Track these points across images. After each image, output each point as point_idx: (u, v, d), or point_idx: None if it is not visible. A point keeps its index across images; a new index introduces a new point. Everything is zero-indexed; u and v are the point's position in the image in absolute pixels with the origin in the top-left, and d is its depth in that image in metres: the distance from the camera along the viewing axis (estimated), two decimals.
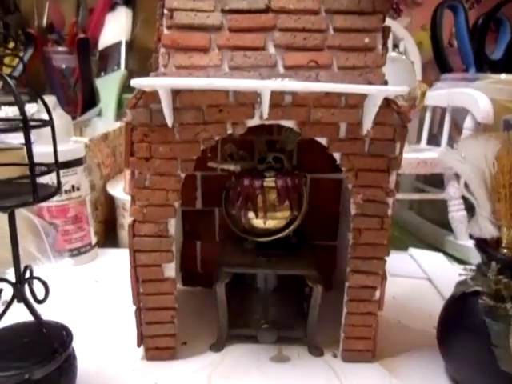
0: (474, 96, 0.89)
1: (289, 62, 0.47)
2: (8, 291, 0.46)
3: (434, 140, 1.09)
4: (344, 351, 0.56)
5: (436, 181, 1.08)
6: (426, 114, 1.08)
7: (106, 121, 1.12)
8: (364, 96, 0.47)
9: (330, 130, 0.49)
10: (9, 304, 0.46)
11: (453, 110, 0.99)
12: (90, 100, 1.18)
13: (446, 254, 0.95)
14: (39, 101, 0.50)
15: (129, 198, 0.91)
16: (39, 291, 0.47)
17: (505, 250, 0.48)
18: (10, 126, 0.44)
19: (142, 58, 1.33)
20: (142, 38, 1.34)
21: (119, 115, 1.19)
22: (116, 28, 1.22)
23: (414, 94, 0.88)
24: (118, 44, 1.20)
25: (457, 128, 1.03)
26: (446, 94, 0.99)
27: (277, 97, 0.46)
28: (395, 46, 1.10)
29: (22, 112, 0.40)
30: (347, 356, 0.56)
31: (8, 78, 0.41)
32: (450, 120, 0.99)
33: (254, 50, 0.47)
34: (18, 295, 0.46)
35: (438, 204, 1.02)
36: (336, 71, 0.48)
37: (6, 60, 1.06)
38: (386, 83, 0.48)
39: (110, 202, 0.98)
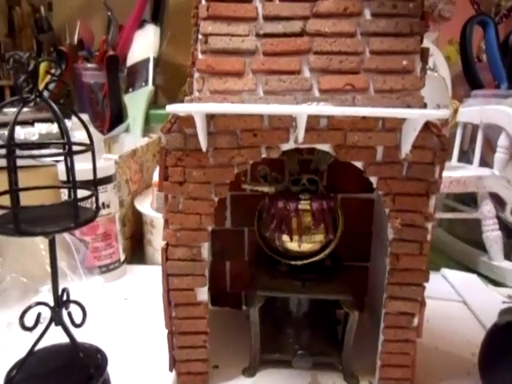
0: (508, 113, 0.87)
1: (324, 86, 0.47)
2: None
3: (464, 157, 1.06)
4: (381, 380, 0.54)
5: (466, 198, 1.05)
6: (457, 131, 1.05)
7: (133, 136, 1.14)
8: (402, 119, 0.46)
9: (366, 153, 0.48)
10: (46, 328, 0.46)
11: (485, 127, 0.96)
12: (118, 116, 1.20)
13: (479, 274, 0.92)
14: (72, 118, 0.50)
15: (156, 214, 0.93)
16: (75, 312, 0.48)
17: None
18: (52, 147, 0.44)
19: (168, 74, 1.35)
20: (169, 54, 1.37)
21: (146, 131, 1.20)
22: (144, 45, 1.24)
23: None
24: (146, 60, 1.22)
25: (489, 145, 1.00)
26: (478, 110, 0.97)
27: (312, 121, 0.45)
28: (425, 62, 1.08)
29: (68, 138, 0.41)
30: None
31: (53, 104, 0.41)
32: (482, 137, 0.97)
33: (289, 74, 0.47)
34: (57, 319, 0.46)
35: (470, 222, 0.99)
36: (373, 94, 0.47)
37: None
38: (425, 106, 0.47)
39: (137, 218, 0.99)
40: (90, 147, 0.45)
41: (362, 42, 0.47)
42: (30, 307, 0.46)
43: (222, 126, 0.47)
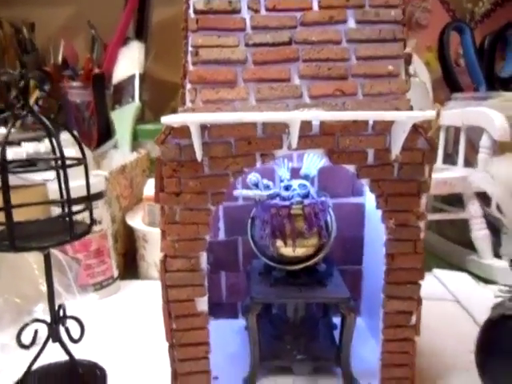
0: (488, 114, 0.89)
1: (315, 92, 0.48)
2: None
3: (449, 159, 1.09)
4: (383, 380, 0.54)
5: (453, 200, 1.07)
6: (440, 134, 1.08)
7: (121, 152, 1.14)
8: (391, 122, 0.47)
9: (358, 156, 0.49)
10: (44, 345, 0.45)
11: (467, 129, 0.99)
12: (106, 132, 1.20)
13: (469, 273, 0.93)
14: (61, 135, 0.50)
15: (148, 228, 0.92)
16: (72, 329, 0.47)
17: None
18: (45, 165, 0.44)
19: (154, 90, 1.36)
20: (154, 70, 1.38)
21: (134, 146, 1.20)
22: (129, 62, 1.25)
23: None
24: (132, 77, 1.23)
25: (472, 146, 1.03)
26: (459, 113, 1.00)
27: (305, 126, 0.46)
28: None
29: (61, 151, 0.41)
30: None
31: (44, 118, 0.42)
32: (465, 139, 0.99)
33: (280, 82, 0.48)
34: (54, 335, 0.45)
35: (457, 223, 1.01)
36: (362, 99, 0.48)
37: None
38: (411, 108, 0.48)
39: (129, 234, 0.98)
40: (83, 160, 0.45)
41: (349, 48, 0.49)
42: (26, 324, 0.45)
43: (217, 135, 0.47)
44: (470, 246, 0.98)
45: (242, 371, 0.58)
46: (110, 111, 1.23)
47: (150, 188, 0.94)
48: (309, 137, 0.48)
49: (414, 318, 0.52)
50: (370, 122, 0.47)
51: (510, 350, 0.48)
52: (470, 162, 1.01)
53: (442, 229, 1.14)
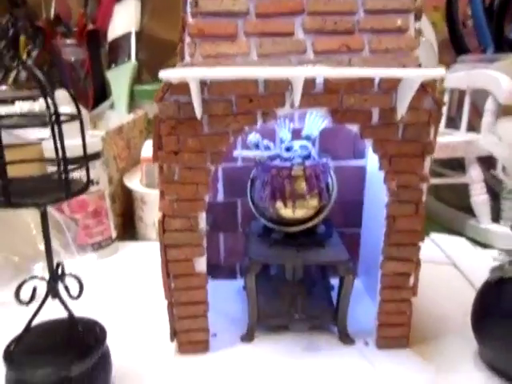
0: (495, 77, 0.87)
1: (319, 47, 0.46)
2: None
3: (452, 123, 1.07)
4: (379, 338, 0.55)
5: (454, 164, 1.06)
6: (445, 97, 1.06)
7: (118, 113, 1.11)
8: (398, 80, 0.45)
9: (362, 116, 0.48)
10: (43, 301, 0.45)
11: (472, 92, 0.97)
12: (102, 93, 1.17)
13: (467, 238, 0.94)
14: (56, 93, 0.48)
15: (146, 190, 0.92)
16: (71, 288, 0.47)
17: None
18: (39, 121, 0.43)
19: (151, 49, 1.31)
20: (151, 28, 1.33)
21: (131, 107, 1.18)
22: (125, 19, 1.20)
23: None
24: (128, 35, 1.18)
25: (476, 110, 1.01)
26: (464, 75, 0.97)
27: (308, 84, 0.45)
28: None
29: (55, 107, 0.39)
30: (382, 343, 0.56)
31: (39, 73, 0.40)
32: (469, 102, 0.97)
33: (283, 36, 0.46)
34: (53, 292, 0.45)
35: (456, 188, 1.00)
36: (368, 55, 0.46)
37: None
38: (419, 66, 0.46)
39: (127, 195, 0.98)
40: (78, 116, 0.44)
41: (357, 1, 0.46)
42: (25, 281, 0.45)
43: (217, 93, 0.46)
44: (468, 211, 0.98)
45: (240, 329, 0.59)
46: (106, 70, 1.19)
47: (147, 149, 0.93)
48: (312, 95, 0.46)
49: (411, 280, 0.53)
50: (377, 80, 0.46)
51: (507, 311, 0.49)
52: (473, 127, 0.99)
53: (440, 193, 1.13)
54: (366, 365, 0.53)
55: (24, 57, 0.37)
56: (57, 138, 0.41)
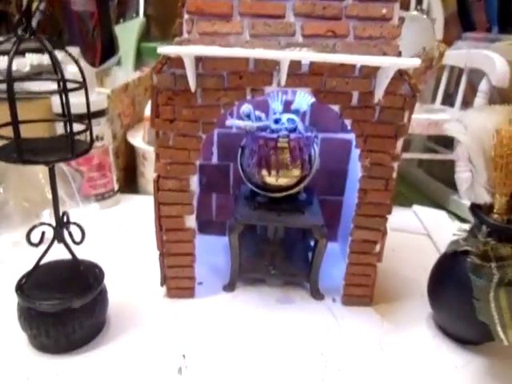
0: (491, 57, 0.89)
1: (307, 31, 0.50)
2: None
3: (448, 100, 1.09)
4: (345, 296, 0.62)
5: (447, 141, 1.10)
6: (444, 74, 1.08)
7: (125, 70, 1.14)
8: (377, 67, 0.49)
9: (343, 98, 0.52)
10: (50, 244, 0.52)
11: (470, 72, 0.99)
12: (110, 47, 1.19)
13: (449, 212, 1.00)
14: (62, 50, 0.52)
15: (148, 147, 0.97)
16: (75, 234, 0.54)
17: (495, 216, 0.52)
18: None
19: (160, 5, 1.32)
20: None
21: (138, 64, 1.20)
22: None
23: (432, 54, 0.88)
24: None
25: (472, 89, 1.03)
26: (464, 54, 0.99)
27: (294, 65, 0.49)
28: (419, 2, 1.08)
29: (62, 75, 0.44)
30: (347, 300, 0.63)
31: (47, 42, 0.44)
32: (465, 81, 0.99)
33: (275, 19, 0.50)
34: (59, 237, 0.52)
35: (448, 164, 1.05)
36: (352, 41, 0.50)
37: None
38: (399, 54, 0.50)
39: (130, 151, 1.03)
40: (83, 84, 0.48)
41: None
42: (34, 226, 0.51)
43: (210, 68, 0.50)
44: (455, 187, 1.02)
45: (223, 280, 0.66)
46: (114, 25, 1.21)
47: None
48: (297, 75, 0.50)
49: (378, 247, 0.59)
50: (358, 66, 0.50)
51: (457, 280, 0.54)
52: (469, 105, 1.02)
53: (432, 168, 1.18)
54: (331, 318, 0.61)
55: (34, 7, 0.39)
56: (64, 104, 0.46)
